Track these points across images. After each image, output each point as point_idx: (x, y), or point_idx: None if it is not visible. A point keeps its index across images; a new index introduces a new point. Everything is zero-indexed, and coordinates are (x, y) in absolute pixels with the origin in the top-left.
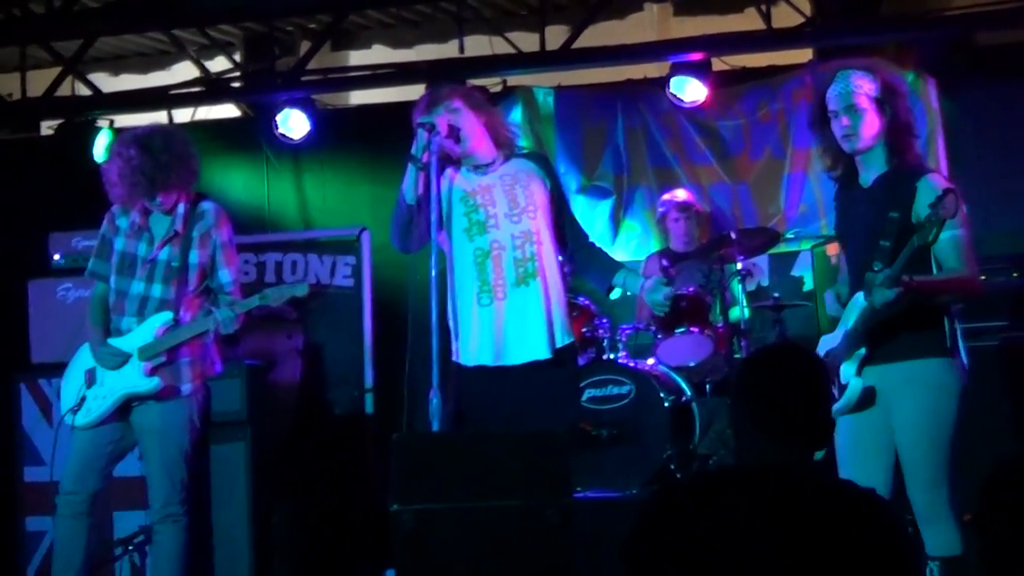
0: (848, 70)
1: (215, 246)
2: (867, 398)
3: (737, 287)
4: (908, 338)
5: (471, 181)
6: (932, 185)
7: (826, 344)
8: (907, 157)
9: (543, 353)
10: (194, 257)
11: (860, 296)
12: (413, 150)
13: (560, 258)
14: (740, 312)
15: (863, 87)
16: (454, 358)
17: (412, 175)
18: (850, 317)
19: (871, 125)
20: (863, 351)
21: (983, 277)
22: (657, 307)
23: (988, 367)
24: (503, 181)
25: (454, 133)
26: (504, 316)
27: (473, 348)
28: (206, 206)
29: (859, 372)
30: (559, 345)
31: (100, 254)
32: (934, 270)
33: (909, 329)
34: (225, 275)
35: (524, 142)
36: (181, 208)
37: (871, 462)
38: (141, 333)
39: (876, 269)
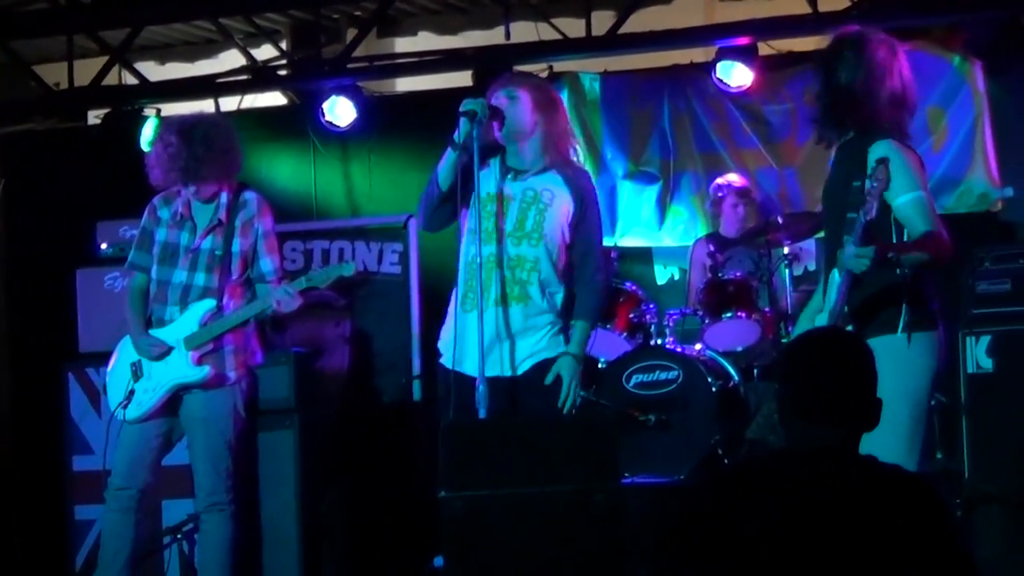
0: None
1: (257, 235)
2: None
3: (785, 272)
4: (874, 313)
5: (498, 183)
6: (881, 151)
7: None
8: (858, 124)
9: (507, 371)
10: (237, 246)
11: (835, 274)
12: (456, 136)
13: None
14: (788, 297)
15: None
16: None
17: (450, 161)
18: (831, 298)
19: None
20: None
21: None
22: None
23: None
24: (524, 196)
25: (498, 116)
26: (481, 328)
27: (453, 351)
28: (248, 196)
29: None
30: (527, 367)
31: (141, 245)
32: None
33: (875, 304)
34: (267, 264)
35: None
36: (224, 197)
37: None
38: (185, 322)
39: (845, 243)
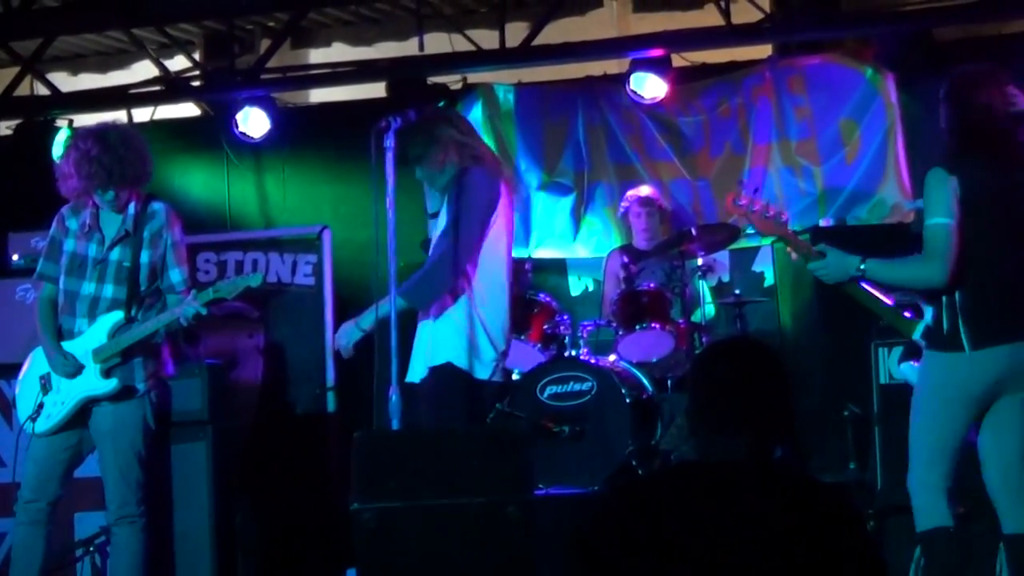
0: None
1: (166, 246)
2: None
3: (699, 283)
4: (926, 328)
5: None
6: (927, 178)
7: None
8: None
9: (413, 377)
10: (145, 257)
11: None
12: None
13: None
14: (701, 308)
15: None
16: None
17: None
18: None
19: None
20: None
21: None
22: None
23: None
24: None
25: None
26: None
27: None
28: (157, 206)
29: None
30: (418, 376)
31: (49, 256)
32: None
33: (940, 319)
34: (176, 275)
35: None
36: (132, 208)
37: None
38: (93, 334)
39: None
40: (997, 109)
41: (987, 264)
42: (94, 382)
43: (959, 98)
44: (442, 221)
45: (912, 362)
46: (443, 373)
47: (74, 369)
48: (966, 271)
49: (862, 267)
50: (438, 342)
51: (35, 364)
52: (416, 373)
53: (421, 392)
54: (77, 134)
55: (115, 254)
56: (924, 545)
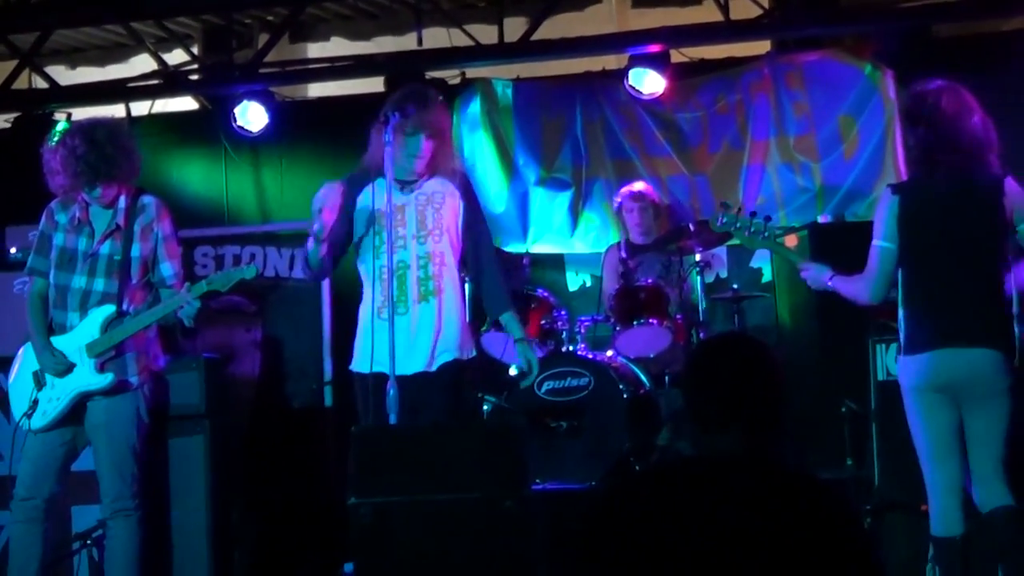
0: None
1: (157, 239)
2: None
3: (696, 278)
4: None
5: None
6: None
7: None
8: None
9: (427, 366)
10: (136, 250)
11: None
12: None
13: (462, 276)
14: (698, 303)
15: None
16: (351, 367)
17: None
18: None
19: None
20: None
21: None
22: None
23: None
24: (418, 201)
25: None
26: (404, 329)
27: (372, 357)
28: (147, 200)
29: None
30: (442, 362)
31: (39, 250)
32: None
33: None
34: (167, 268)
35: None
36: (122, 202)
37: None
38: (86, 328)
39: None
40: (943, 126)
41: (924, 277)
42: (89, 377)
43: (906, 119)
44: (447, 212)
45: None
46: (471, 368)
47: (64, 368)
48: (910, 285)
49: (829, 284)
50: (463, 336)
51: (27, 360)
52: (415, 364)
53: (436, 383)
54: (66, 130)
55: (105, 248)
56: (936, 549)
